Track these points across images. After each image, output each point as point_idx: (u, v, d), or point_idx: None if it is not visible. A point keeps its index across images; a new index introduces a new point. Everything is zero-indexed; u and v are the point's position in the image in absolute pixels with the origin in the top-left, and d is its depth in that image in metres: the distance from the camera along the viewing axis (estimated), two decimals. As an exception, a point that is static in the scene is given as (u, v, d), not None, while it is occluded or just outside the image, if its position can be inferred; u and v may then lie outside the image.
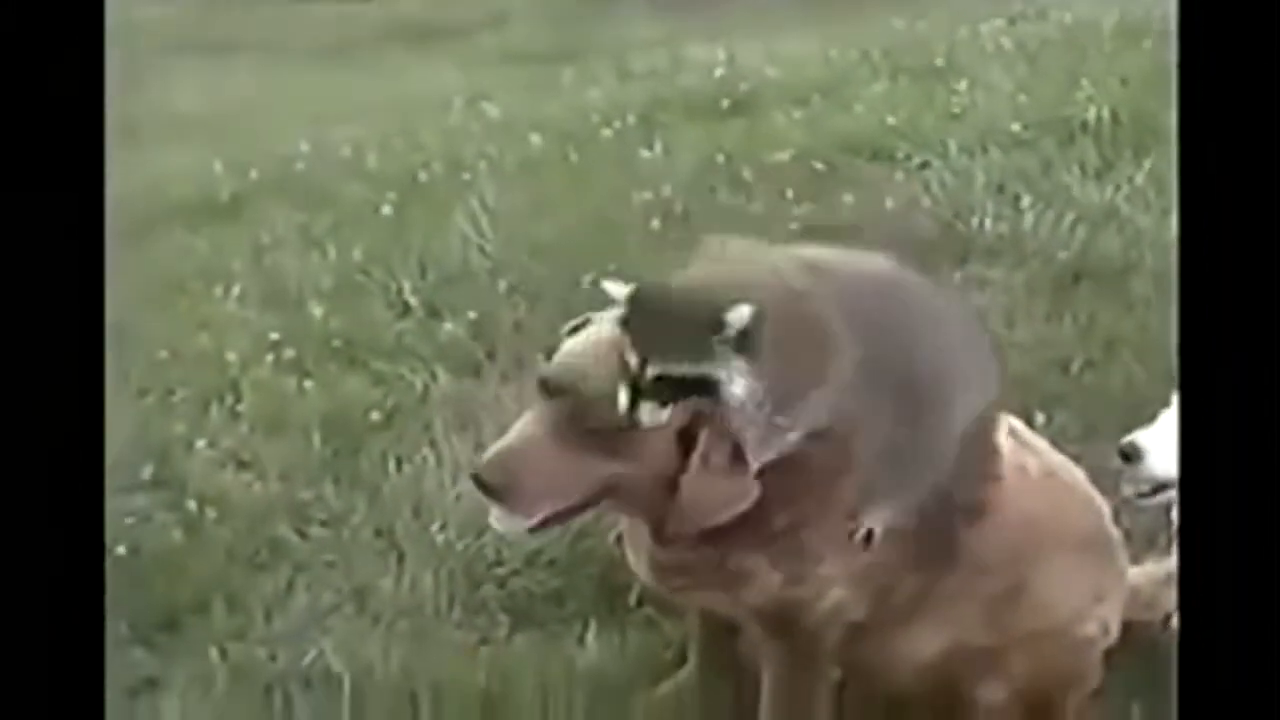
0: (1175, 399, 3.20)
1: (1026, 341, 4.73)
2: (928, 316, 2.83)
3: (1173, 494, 3.18)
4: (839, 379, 2.63)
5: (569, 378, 2.74)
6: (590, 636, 3.60)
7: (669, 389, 2.57)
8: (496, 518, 2.81)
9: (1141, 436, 3.20)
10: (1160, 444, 3.18)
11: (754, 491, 2.73)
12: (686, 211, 5.67)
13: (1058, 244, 5.30)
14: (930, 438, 2.81)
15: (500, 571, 3.85)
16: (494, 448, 2.78)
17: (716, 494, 2.73)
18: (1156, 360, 4.52)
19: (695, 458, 2.69)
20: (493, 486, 2.73)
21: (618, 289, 2.65)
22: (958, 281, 5.12)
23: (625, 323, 2.62)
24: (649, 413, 2.58)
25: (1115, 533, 3.33)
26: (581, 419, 2.70)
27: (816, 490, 2.81)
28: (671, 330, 2.57)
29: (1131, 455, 3.20)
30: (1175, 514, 3.15)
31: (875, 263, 2.86)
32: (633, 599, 3.66)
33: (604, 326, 2.77)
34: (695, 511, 2.74)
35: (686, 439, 2.70)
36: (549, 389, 2.76)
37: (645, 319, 2.60)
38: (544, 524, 2.81)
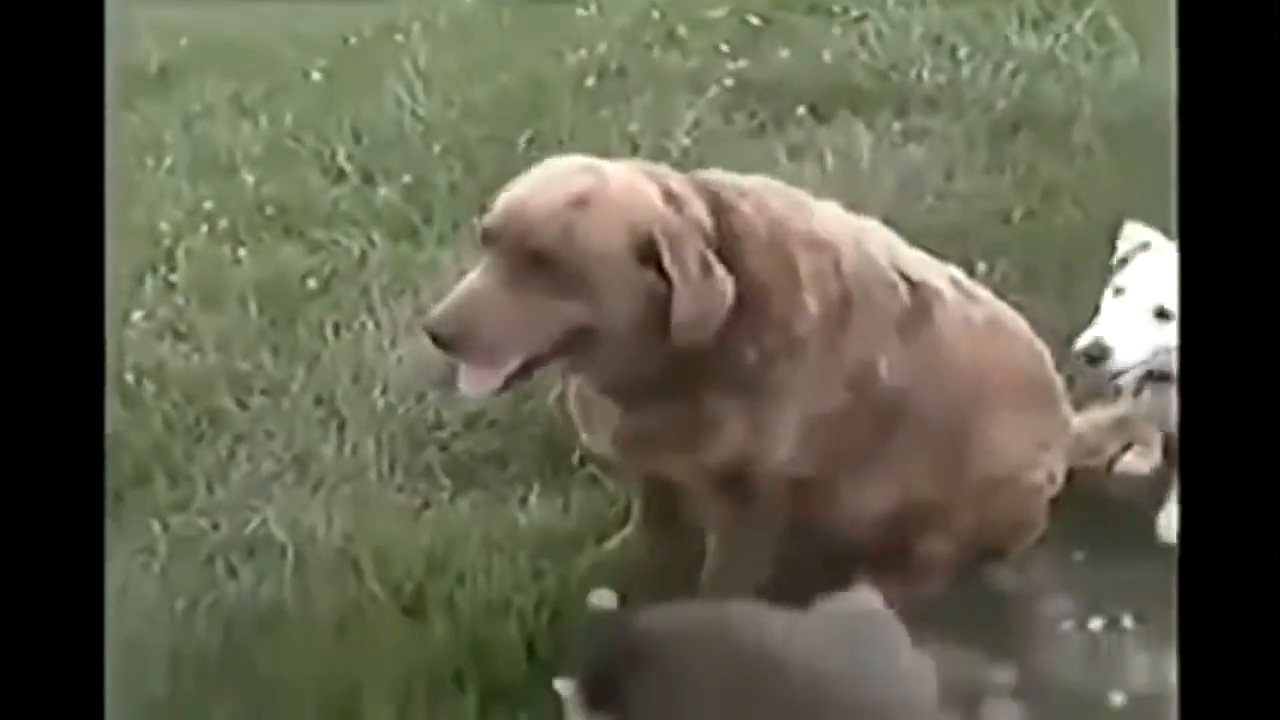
0: (1121, 260, 3.21)
1: (966, 192, 4.72)
2: None
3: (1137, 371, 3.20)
4: None
5: (513, 222, 2.70)
6: (533, 497, 3.59)
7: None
8: (464, 381, 2.77)
9: (1099, 333, 3.19)
10: (1117, 335, 3.17)
11: (730, 289, 2.75)
12: (622, 68, 5.60)
13: (996, 94, 5.26)
14: None
15: (442, 434, 3.83)
16: (444, 300, 2.72)
17: (704, 298, 2.72)
18: (1097, 207, 4.51)
19: (674, 274, 2.67)
20: (448, 338, 2.68)
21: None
22: (897, 132, 5.09)
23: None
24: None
25: (1058, 380, 3.34)
26: (530, 261, 2.66)
27: (777, 320, 2.84)
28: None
29: (1097, 356, 3.18)
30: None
31: None
32: (575, 458, 3.65)
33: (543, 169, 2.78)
34: (691, 320, 2.72)
35: (649, 269, 2.70)
36: (493, 236, 2.72)
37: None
38: (510, 381, 2.76)
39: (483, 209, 2.86)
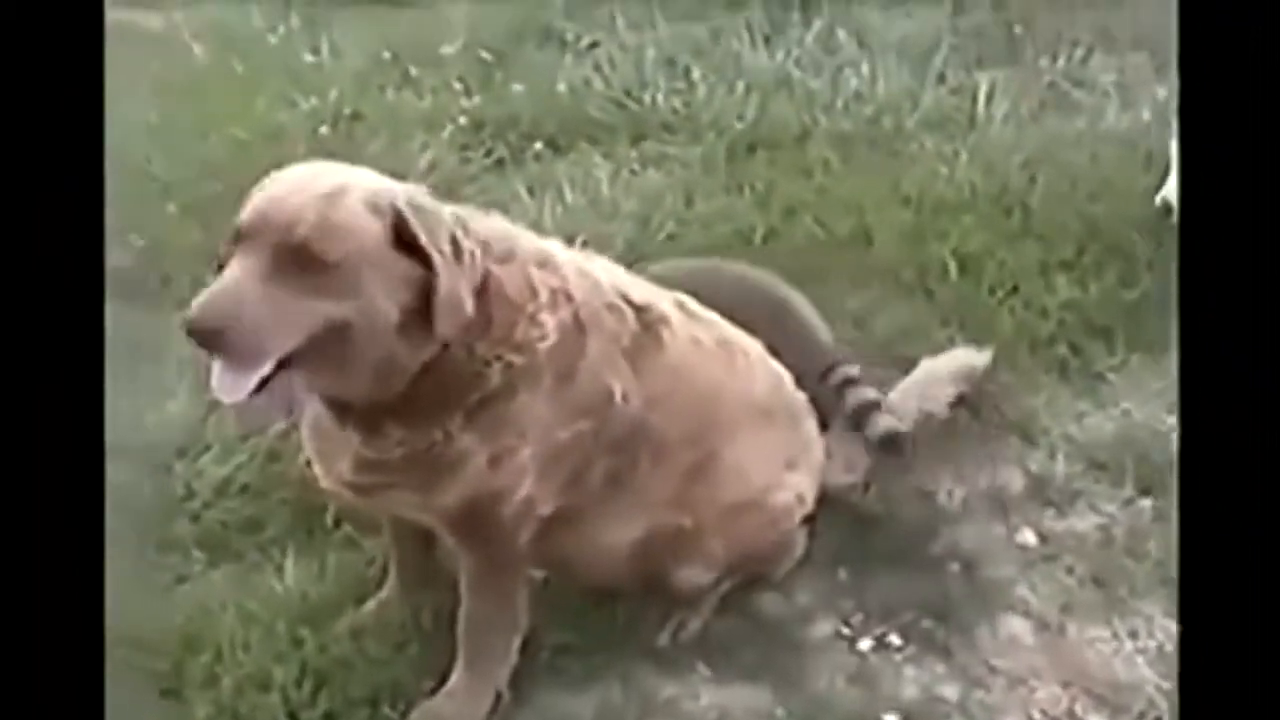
0: None
1: (707, 215, 4.75)
2: None
3: None
4: None
5: (269, 216, 2.64)
6: (289, 563, 3.51)
7: None
8: (217, 383, 2.66)
9: None
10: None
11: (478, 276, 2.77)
12: (356, 113, 5.56)
13: (731, 114, 5.31)
14: None
15: (192, 505, 3.73)
16: (201, 296, 2.61)
17: (460, 280, 2.71)
18: (837, 224, 4.58)
19: (432, 253, 2.66)
20: (209, 330, 2.57)
21: None
22: (634, 159, 5.11)
23: None
24: None
25: (799, 398, 3.38)
26: (287, 253, 2.60)
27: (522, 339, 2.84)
28: None
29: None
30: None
31: None
32: (330, 520, 3.59)
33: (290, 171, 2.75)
34: (452, 301, 2.70)
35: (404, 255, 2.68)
36: (248, 232, 2.64)
37: None
38: (261, 387, 2.67)
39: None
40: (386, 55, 6.00)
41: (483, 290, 2.78)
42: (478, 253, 2.77)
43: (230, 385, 2.66)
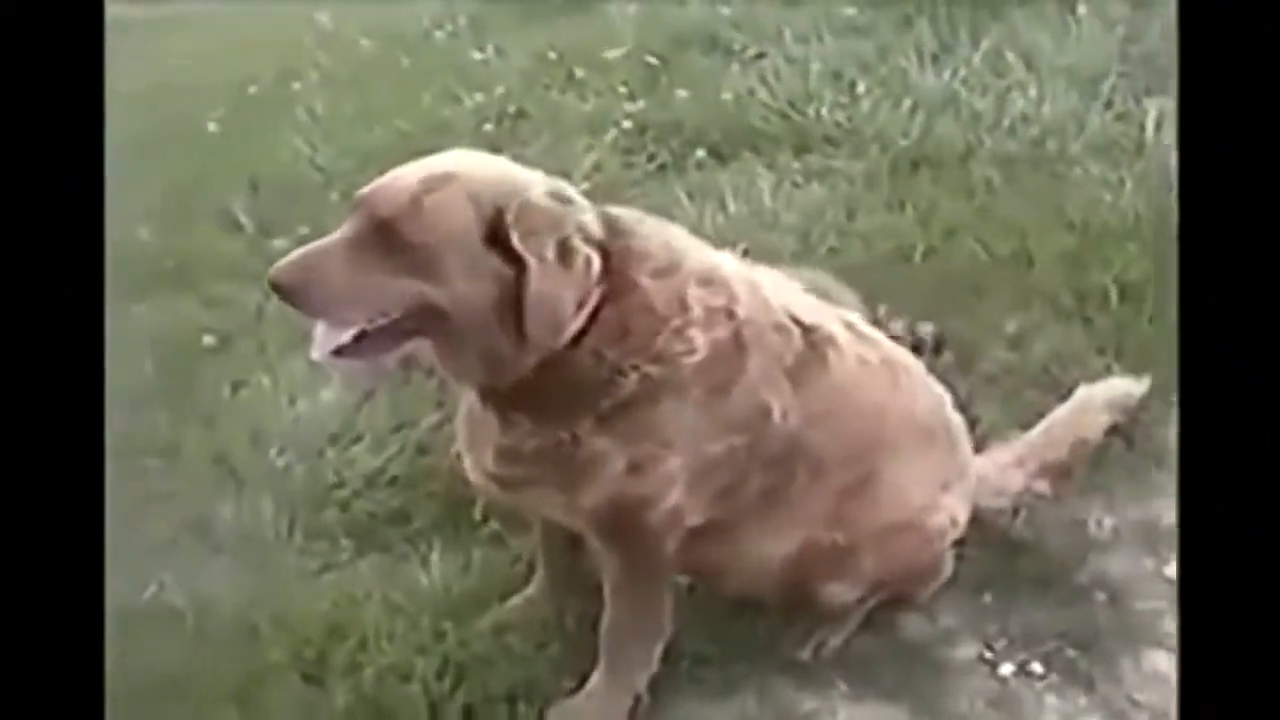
0: None
1: (867, 230, 4.71)
2: None
3: None
4: None
5: (374, 193, 2.69)
6: (435, 556, 3.52)
7: None
8: (314, 343, 2.72)
9: None
10: None
11: (593, 284, 2.73)
12: (520, 111, 5.58)
13: (896, 131, 5.27)
14: None
15: (342, 494, 3.77)
16: (293, 253, 2.70)
17: (558, 284, 2.69)
18: (998, 244, 4.53)
19: (525, 255, 2.64)
20: (287, 286, 2.64)
21: None
22: (797, 171, 5.10)
23: None
24: None
25: (957, 420, 3.33)
26: (376, 229, 2.64)
27: (663, 352, 2.81)
28: None
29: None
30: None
31: None
32: (478, 515, 3.60)
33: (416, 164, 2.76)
34: (546, 310, 2.68)
35: (495, 252, 2.67)
36: (356, 204, 2.70)
37: None
38: (359, 345, 2.71)
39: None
40: (552, 56, 6.03)
41: (619, 300, 2.76)
42: (595, 261, 2.74)
43: (322, 343, 2.72)
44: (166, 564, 3.62)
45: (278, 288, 2.65)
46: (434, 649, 3.23)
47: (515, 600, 3.36)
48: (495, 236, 2.65)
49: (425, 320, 2.70)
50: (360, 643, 3.27)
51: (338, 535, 3.66)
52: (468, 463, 3.07)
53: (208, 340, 4.42)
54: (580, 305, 2.73)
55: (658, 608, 3.09)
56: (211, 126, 5.85)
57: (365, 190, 2.72)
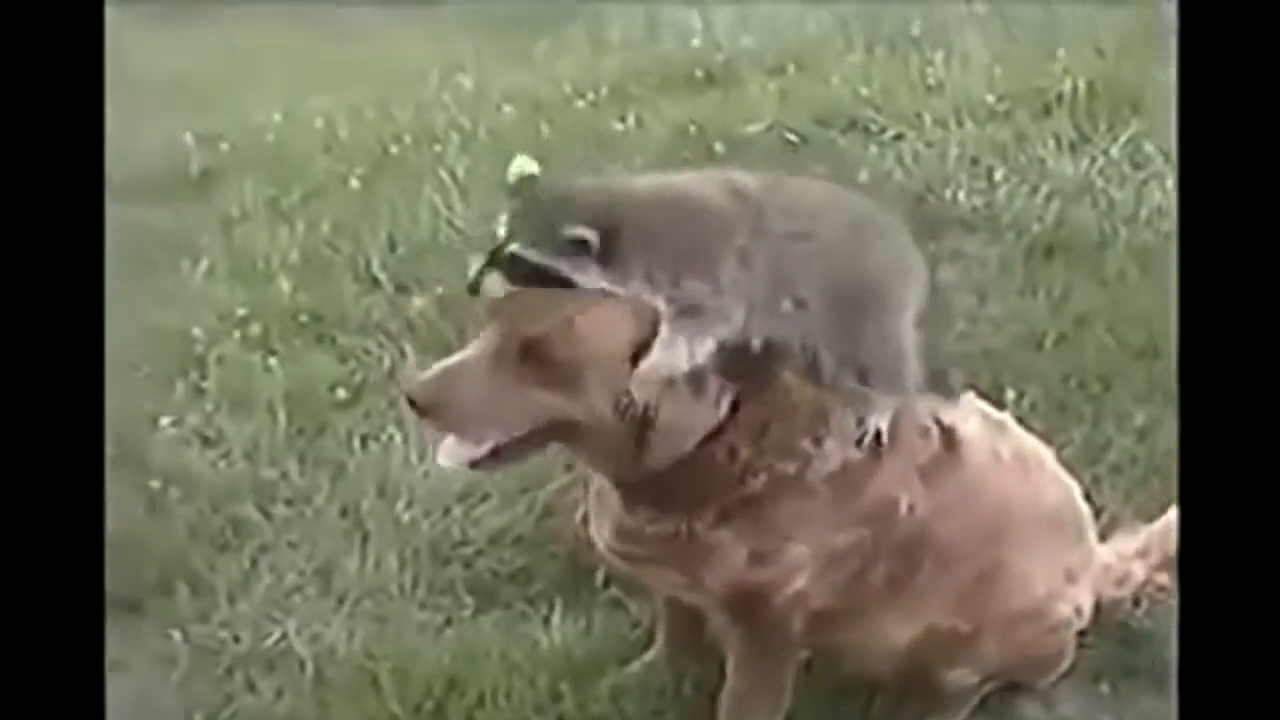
0: None
1: (999, 316, 4.70)
2: (862, 225, 2.76)
3: None
4: (735, 286, 2.56)
5: (519, 301, 2.63)
6: (556, 617, 3.56)
7: (519, 271, 2.54)
8: (444, 450, 2.74)
9: None
10: None
11: (723, 408, 2.70)
12: (660, 184, 5.61)
13: (1031, 217, 5.26)
14: (887, 336, 2.74)
15: (465, 551, 3.82)
16: (434, 368, 2.69)
17: (685, 411, 2.67)
18: (1129, 335, 4.50)
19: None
20: (422, 405, 2.65)
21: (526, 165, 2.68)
22: (931, 254, 5.08)
23: (511, 195, 2.63)
24: (491, 281, 2.55)
25: (1085, 511, 3.32)
26: (524, 345, 2.61)
27: (796, 454, 2.78)
28: (534, 219, 2.55)
29: None
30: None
31: (806, 185, 2.83)
32: (600, 579, 3.63)
33: None
34: (671, 438, 2.69)
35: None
36: (498, 310, 2.66)
37: (523, 201, 2.61)
38: (492, 459, 2.73)
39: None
40: (692, 129, 6.06)
41: (759, 396, 2.73)
42: (728, 396, 2.70)
43: (450, 453, 2.74)
44: (291, 611, 3.67)
45: (414, 405, 2.66)
46: (550, 709, 3.27)
47: (634, 665, 3.38)
48: (638, 356, 2.61)
49: (558, 430, 2.71)
50: (478, 699, 3.31)
51: (460, 592, 3.70)
52: (593, 529, 3.09)
53: (340, 394, 4.47)
54: (716, 403, 2.71)
55: (781, 683, 3.09)
56: (354, 183, 5.92)
57: (504, 299, 2.64)
